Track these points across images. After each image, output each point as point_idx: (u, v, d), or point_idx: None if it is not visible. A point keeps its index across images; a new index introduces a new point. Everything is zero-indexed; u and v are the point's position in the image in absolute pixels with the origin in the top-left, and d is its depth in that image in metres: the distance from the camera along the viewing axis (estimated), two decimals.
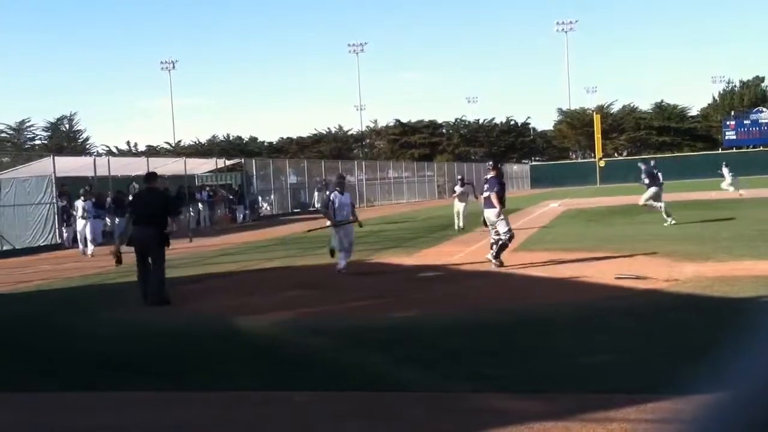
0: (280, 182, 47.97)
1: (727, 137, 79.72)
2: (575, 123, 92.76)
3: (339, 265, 14.00)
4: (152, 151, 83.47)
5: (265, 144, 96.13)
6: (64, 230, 27.09)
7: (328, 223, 14.47)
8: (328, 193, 15.30)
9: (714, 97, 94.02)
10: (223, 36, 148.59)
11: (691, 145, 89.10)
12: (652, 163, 22.93)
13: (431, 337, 8.27)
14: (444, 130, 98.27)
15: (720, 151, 79.91)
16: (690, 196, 36.29)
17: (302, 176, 50.73)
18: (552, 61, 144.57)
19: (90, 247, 22.19)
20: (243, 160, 48.22)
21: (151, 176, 12.61)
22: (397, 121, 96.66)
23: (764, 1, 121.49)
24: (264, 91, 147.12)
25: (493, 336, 8.13)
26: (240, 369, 7.35)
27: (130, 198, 15.25)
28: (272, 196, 46.28)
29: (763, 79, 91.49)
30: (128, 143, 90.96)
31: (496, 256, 13.46)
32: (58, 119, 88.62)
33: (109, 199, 28.07)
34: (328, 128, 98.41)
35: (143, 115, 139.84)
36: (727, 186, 35.81)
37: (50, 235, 26.27)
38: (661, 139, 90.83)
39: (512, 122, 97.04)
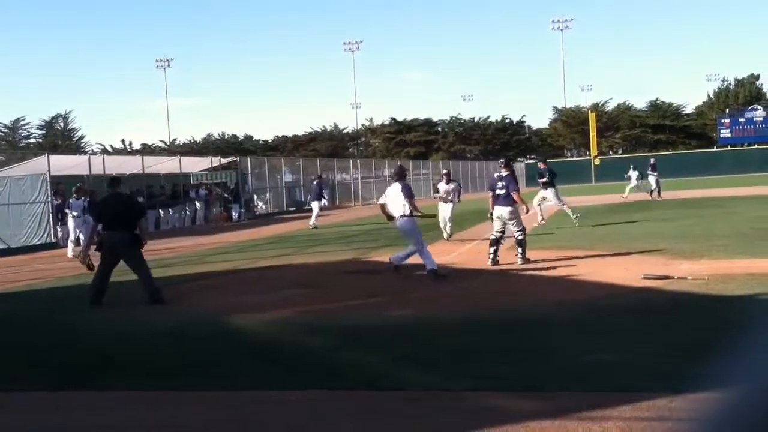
0: (276, 180, 47.93)
1: (721, 135, 79.87)
2: (570, 121, 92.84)
3: (392, 256, 13.39)
4: (147, 150, 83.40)
5: (261, 142, 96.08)
6: (59, 229, 27.04)
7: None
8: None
9: (709, 95, 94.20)
10: (219, 34, 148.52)
11: (686, 143, 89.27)
12: (542, 167, 23.08)
13: (428, 335, 8.26)
14: (439, 129, 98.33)
15: (715, 148, 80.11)
16: (685, 194, 36.31)
17: (297, 174, 50.70)
18: (547, 60, 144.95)
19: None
20: (238, 158, 48.17)
21: (115, 181, 12.76)
22: (393, 119, 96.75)
23: None
24: (259, 90, 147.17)
25: (490, 335, 8.12)
26: (236, 368, 7.33)
27: (96, 204, 15.16)
28: (267, 195, 46.25)
29: (757, 77, 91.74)
30: (123, 142, 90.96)
31: (523, 255, 13.65)
32: (52, 118, 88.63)
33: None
34: (324, 126, 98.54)
35: (138, 113, 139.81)
36: (632, 188, 35.04)
37: (45, 234, 26.21)
38: (656, 137, 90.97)
39: (507, 120, 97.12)
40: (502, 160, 14.95)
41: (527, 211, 14.31)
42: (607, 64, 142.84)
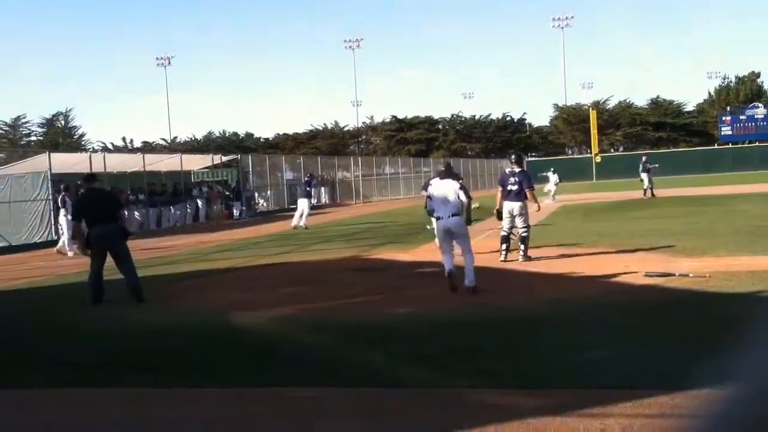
0: (277, 178, 47.96)
1: (723, 133, 79.78)
2: (571, 119, 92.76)
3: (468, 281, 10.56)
4: (148, 147, 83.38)
5: (262, 140, 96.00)
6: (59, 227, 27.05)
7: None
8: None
9: (710, 93, 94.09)
10: (220, 32, 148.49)
11: (687, 141, 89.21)
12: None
13: (429, 333, 8.27)
14: (440, 126, 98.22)
15: (716, 146, 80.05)
16: (686, 191, 36.30)
17: (298, 172, 50.69)
18: (548, 57, 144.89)
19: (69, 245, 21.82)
20: (239, 156, 48.19)
21: (91, 177, 12.81)
22: (394, 117, 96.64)
23: None
24: (260, 87, 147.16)
25: (491, 332, 8.13)
26: (237, 365, 7.34)
27: (75, 202, 15.12)
28: (268, 192, 46.27)
29: (758, 75, 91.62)
30: (124, 139, 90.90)
31: (525, 252, 13.64)
32: (53, 115, 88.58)
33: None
34: (325, 124, 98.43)
35: (139, 111, 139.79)
36: (549, 190, 35.18)
37: (46, 232, 26.22)
38: (657, 135, 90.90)
39: (508, 118, 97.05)
40: (512, 157, 14.89)
41: (538, 209, 14.34)
42: (608, 61, 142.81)
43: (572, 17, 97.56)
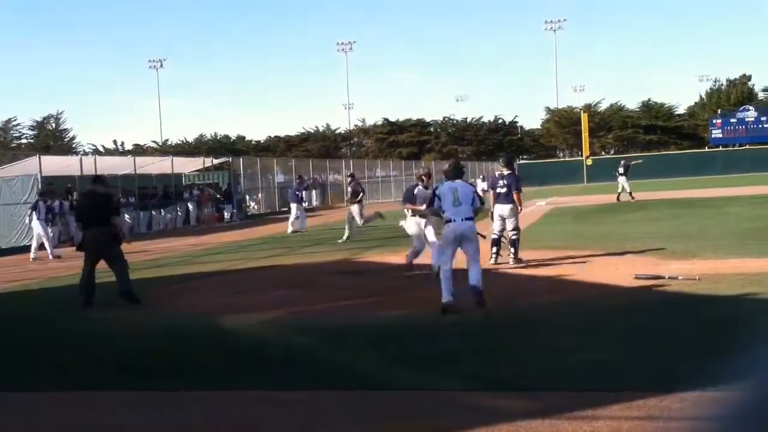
0: (268, 181, 47.88)
1: (713, 135, 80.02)
2: (563, 122, 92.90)
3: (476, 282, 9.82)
4: (139, 150, 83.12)
5: (253, 143, 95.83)
6: (50, 230, 26.94)
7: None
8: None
9: (701, 96, 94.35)
10: (211, 35, 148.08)
11: (677, 144, 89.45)
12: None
13: (420, 336, 8.28)
14: (432, 129, 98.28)
15: (706, 149, 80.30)
16: (676, 194, 36.41)
17: (290, 175, 50.60)
18: (540, 60, 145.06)
19: (46, 251, 21.59)
20: (230, 158, 48.08)
21: (95, 179, 12.76)
22: (385, 119, 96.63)
23: None
24: (252, 90, 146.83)
25: (481, 335, 8.15)
26: (228, 368, 7.34)
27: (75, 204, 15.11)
28: (260, 195, 46.21)
29: (749, 78, 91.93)
30: (115, 142, 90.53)
31: (516, 255, 13.62)
32: (44, 118, 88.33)
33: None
34: (316, 127, 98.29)
35: (130, 114, 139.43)
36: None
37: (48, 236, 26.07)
38: (648, 138, 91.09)
39: (500, 121, 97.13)
40: (502, 159, 14.92)
41: (520, 211, 14.37)
42: (600, 64, 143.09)
43: (564, 20, 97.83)
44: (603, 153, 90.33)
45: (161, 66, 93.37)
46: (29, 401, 6.66)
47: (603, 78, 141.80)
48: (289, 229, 25.70)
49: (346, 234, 21.23)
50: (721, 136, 79.27)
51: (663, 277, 10.67)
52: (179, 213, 36.00)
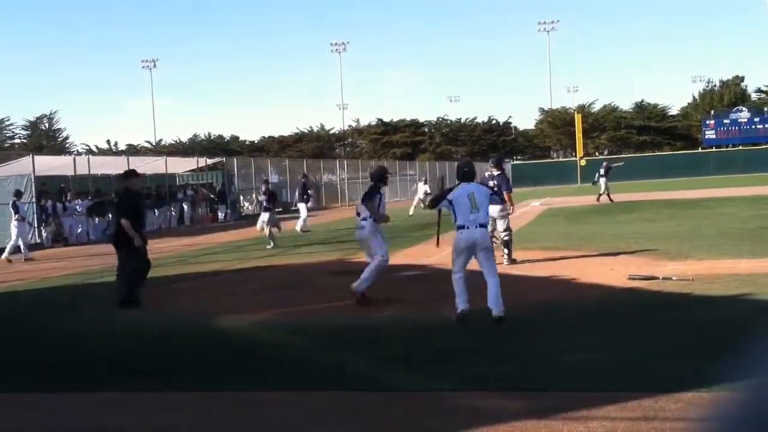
0: (262, 181, 47.79)
1: (707, 136, 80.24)
2: (556, 122, 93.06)
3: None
4: (133, 150, 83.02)
5: (247, 143, 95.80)
6: (44, 230, 26.92)
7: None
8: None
9: (694, 97, 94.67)
10: (205, 35, 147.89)
11: (671, 145, 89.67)
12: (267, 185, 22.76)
13: (414, 336, 8.27)
14: (426, 129, 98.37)
15: (700, 150, 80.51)
16: (670, 195, 36.48)
17: (284, 175, 50.60)
18: (534, 61, 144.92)
19: (24, 252, 21.42)
20: (224, 159, 48.01)
21: (129, 174, 12.59)
22: (379, 120, 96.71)
23: (744, 1, 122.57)
24: (246, 90, 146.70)
25: (475, 335, 8.13)
26: (221, 369, 7.31)
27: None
28: (254, 195, 46.13)
29: (742, 79, 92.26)
30: (108, 142, 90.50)
31: (509, 256, 13.65)
32: (37, 118, 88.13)
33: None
34: (310, 127, 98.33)
35: (124, 114, 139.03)
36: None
37: (30, 236, 26.00)
38: (642, 139, 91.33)
39: (494, 121, 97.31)
40: (492, 160, 14.94)
41: (512, 212, 14.37)
42: (593, 65, 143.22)
43: (558, 21, 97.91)
44: (597, 154, 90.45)
45: (154, 66, 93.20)
46: (19, 402, 6.62)
47: (596, 79, 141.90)
48: (299, 226, 25.63)
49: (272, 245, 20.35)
50: (714, 136, 79.48)
51: (657, 278, 10.68)
52: (173, 213, 35.94)
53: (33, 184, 26.23)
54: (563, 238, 17.96)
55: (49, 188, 28.48)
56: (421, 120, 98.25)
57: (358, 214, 11.03)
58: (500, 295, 8.67)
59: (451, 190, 9.22)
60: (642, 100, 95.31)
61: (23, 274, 17.48)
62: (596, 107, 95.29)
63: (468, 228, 8.86)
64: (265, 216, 21.08)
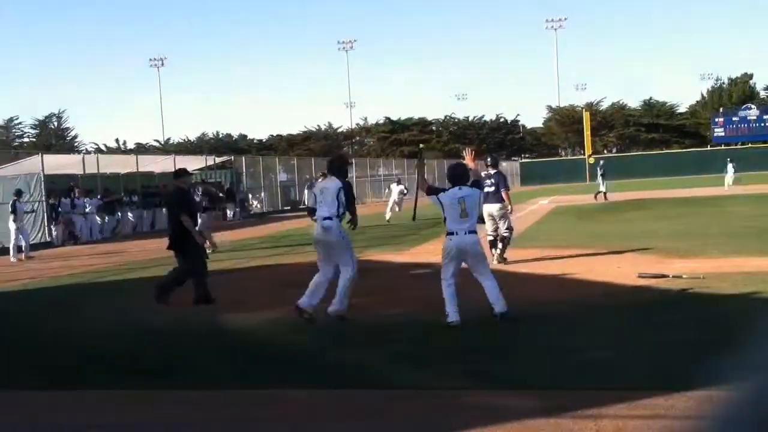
0: (270, 180, 47.86)
1: (715, 134, 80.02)
2: (565, 120, 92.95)
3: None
4: (141, 149, 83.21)
5: (255, 141, 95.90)
6: (53, 228, 26.98)
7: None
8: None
9: (702, 95, 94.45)
10: (213, 33, 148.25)
11: (679, 142, 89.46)
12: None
13: (420, 334, 8.24)
14: (434, 128, 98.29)
15: (709, 147, 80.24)
16: (679, 193, 36.36)
17: (292, 174, 50.63)
18: (542, 59, 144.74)
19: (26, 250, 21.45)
20: (233, 157, 48.07)
21: (176, 173, 12.27)
22: (387, 118, 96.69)
23: None
24: (254, 89, 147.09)
25: (484, 333, 8.11)
26: (228, 367, 7.31)
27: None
28: (262, 194, 46.19)
29: (751, 76, 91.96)
30: (117, 141, 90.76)
31: (502, 253, 13.61)
32: (46, 117, 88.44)
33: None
34: (318, 125, 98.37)
35: (132, 112, 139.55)
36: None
37: (39, 234, 26.12)
38: (650, 136, 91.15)
39: (502, 119, 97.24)
40: (488, 159, 14.87)
41: (511, 211, 14.23)
42: (601, 63, 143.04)
43: (565, 19, 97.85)
44: (605, 151, 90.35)
45: (162, 65, 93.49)
46: (22, 400, 6.63)
47: (605, 76, 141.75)
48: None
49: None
50: (723, 134, 79.27)
51: (667, 276, 10.63)
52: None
53: (42, 182, 26.30)
54: (573, 236, 17.92)
55: (58, 187, 28.54)
56: (429, 118, 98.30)
57: (312, 211, 9.87)
58: (500, 294, 8.64)
59: (444, 190, 9.07)
60: (650, 98, 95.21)
61: (35, 272, 17.52)
62: (604, 105, 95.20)
63: (457, 234, 8.69)
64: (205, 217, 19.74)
